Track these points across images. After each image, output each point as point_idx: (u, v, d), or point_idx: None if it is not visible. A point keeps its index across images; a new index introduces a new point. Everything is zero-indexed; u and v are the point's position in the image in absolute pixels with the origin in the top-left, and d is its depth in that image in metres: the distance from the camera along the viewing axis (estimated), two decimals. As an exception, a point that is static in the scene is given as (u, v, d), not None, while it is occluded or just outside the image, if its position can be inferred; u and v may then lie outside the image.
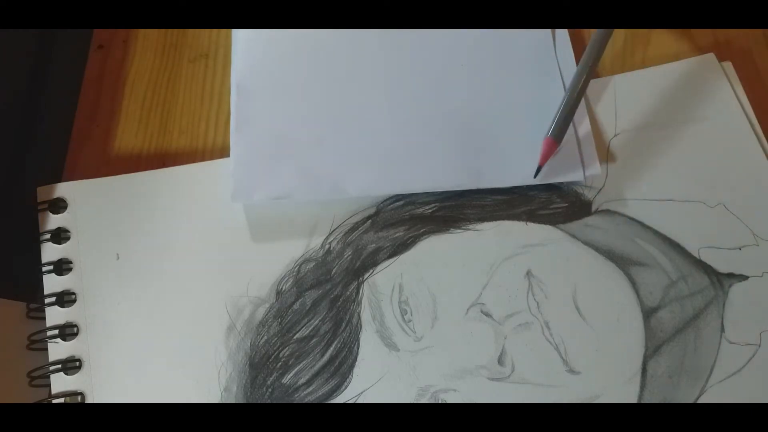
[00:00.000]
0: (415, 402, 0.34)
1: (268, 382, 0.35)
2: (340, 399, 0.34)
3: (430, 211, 0.38)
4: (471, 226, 0.38)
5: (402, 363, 0.35)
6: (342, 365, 0.35)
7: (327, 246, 0.38)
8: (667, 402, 0.33)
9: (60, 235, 0.38)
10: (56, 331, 0.36)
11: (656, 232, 0.37)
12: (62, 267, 0.38)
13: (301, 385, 0.35)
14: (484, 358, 0.35)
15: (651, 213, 0.37)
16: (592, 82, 0.40)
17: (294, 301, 0.36)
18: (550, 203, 0.38)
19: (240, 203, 0.38)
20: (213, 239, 0.38)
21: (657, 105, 0.40)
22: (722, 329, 0.34)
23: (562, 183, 0.38)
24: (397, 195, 0.39)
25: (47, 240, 0.38)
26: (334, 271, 0.37)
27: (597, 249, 0.37)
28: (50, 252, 0.38)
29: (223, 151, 0.41)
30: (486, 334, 0.35)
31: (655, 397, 0.34)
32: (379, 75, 0.41)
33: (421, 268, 0.37)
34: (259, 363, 0.35)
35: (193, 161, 0.40)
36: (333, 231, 0.38)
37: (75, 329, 0.37)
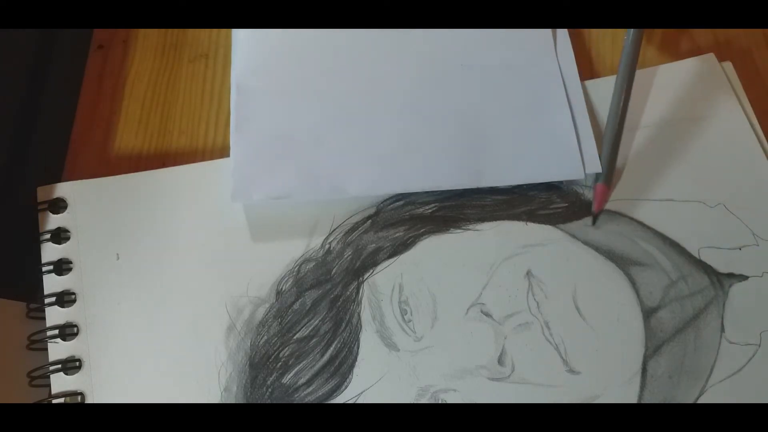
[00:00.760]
0: (415, 402, 0.34)
1: (268, 382, 0.35)
2: (340, 399, 0.34)
3: (430, 211, 0.38)
4: (471, 226, 0.38)
5: (402, 363, 0.35)
6: (342, 365, 0.35)
7: (327, 246, 0.38)
8: (667, 402, 0.33)
9: (60, 235, 0.38)
10: (56, 331, 0.36)
11: (656, 232, 0.37)
12: (62, 267, 0.38)
13: (301, 385, 0.35)
14: (484, 358, 0.35)
15: (651, 213, 0.37)
16: (594, 82, 0.41)
17: (294, 301, 0.36)
18: (550, 203, 0.38)
19: (240, 203, 0.38)
20: (213, 239, 0.38)
21: (657, 105, 0.40)
22: (722, 329, 0.34)
23: (562, 182, 0.38)
24: (397, 195, 0.39)
25: (47, 240, 0.38)
26: (334, 271, 0.37)
27: (597, 249, 0.37)
28: (50, 252, 0.38)
29: (223, 151, 0.41)
30: (486, 334, 0.35)
31: (655, 397, 0.34)
32: (379, 75, 0.41)
33: (421, 268, 0.37)
34: (259, 363, 0.35)
35: (193, 161, 0.40)
36: (333, 231, 0.38)
37: (75, 329, 0.37)
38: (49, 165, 0.41)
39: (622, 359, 0.34)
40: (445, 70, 0.41)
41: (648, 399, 0.34)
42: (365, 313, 0.36)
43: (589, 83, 0.40)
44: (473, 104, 0.40)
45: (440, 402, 0.34)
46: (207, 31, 0.45)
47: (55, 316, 0.37)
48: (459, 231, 0.37)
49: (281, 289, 0.37)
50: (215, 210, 0.38)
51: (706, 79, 0.40)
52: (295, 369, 0.35)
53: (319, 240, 0.38)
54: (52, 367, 0.36)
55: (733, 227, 0.36)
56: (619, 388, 0.34)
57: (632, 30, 0.38)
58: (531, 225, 0.37)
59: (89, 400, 0.35)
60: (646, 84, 0.40)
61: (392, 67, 0.41)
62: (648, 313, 0.35)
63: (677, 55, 0.41)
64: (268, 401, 0.35)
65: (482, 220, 0.38)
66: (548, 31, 0.41)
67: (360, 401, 0.34)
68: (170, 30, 0.45)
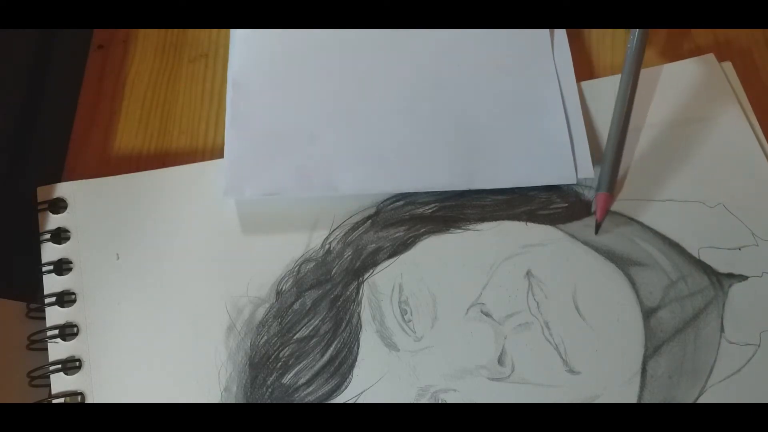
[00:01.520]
0: (415, 402, 0.34)
1: (268, 382, 0.35)
2: (340, 399, 0.34)
3: (430, 211, 0.38)
4: (471, 226, 0.38)
5: (402, 363, 0.35)
6: (342, 365, 0.35)
7: (327, 246, 0.38)
8: (666, 402, 0.33)
9: (60, 235, 0.38)
10: (56, 331, 0.36)
11: (656, 233, 0.37)
12: (62, 267, 0.38)
13: (301, 385, 0.35)
14: (484, 358, 0.35)
15: (651, 213, 0.37)
16: (592, 82, 0.41)
17: (294, 301, 0.36)
18: (550, 203, 0.38)
19: (232, 199, 0.38)
20: (213, 239, 0.38)
21: (656, 105, 0.40)
22: (722, 329, 0.34)
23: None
24: (397, 195, 0.39)
25: (47, 240, 0.38)
26: (334, 271, 0.37)
27: (597, 249, 0.37)
28: (50, 252, 0.38)
29: (223, 151, 0.41)
30: (486, 334, 0.35)
31: (654, 397, 0.34)
32: (375, 74, 0.41)
33: (421, 268, 0.37)
34: (259, 363, 0.35)
35: (193, 161, 0.40)
36: (333, 231, 0.38)
37: (75, 329, 0.37)
38: (49, 165, 0.41)
39: (622, 359, 0.34)
40: (440, 71, 0.41)
41: (648, 399, 0.34)
42: (365, 313, 0.36)
43: (586, 84, 0.40)
44: (468, 105, 0.40)
45: (440, 402, 0.34)
46: (207, 31, 0.45)
47: (55, 316, 0.37)
48: (459, 231, 0.37)
49: (281, 289, 0.37)
50: (215, 210, 0.38)
51: (705, 79, 0.40)
52: (295, 369, 0.35)
53: (319, 240, 0.38)
54: (52, 367, 0.36)
55: (732, 227, 0.36)
56: (618, 388, 0.34)
57: (635, 39, 0.38)
58: (531, 225, 0.37)
59: (89, 400, 0.35)
60: (646, 85, 0.40)
61: (387, 67, 0.41)
62: (648, 313, 0.35)
63: (677, 55, 0.41)
64: (268, 401, 0.35)
65: (482, 220, 0.38)
66: (546, 32, 0.41)
67: (360, 401, 0.34)
68: (170, 30, 0.45)
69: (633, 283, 0.36)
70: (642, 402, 0.33)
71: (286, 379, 0.35)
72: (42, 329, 0.36)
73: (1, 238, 0.38)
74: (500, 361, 0.34)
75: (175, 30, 0.45)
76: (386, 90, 0.40)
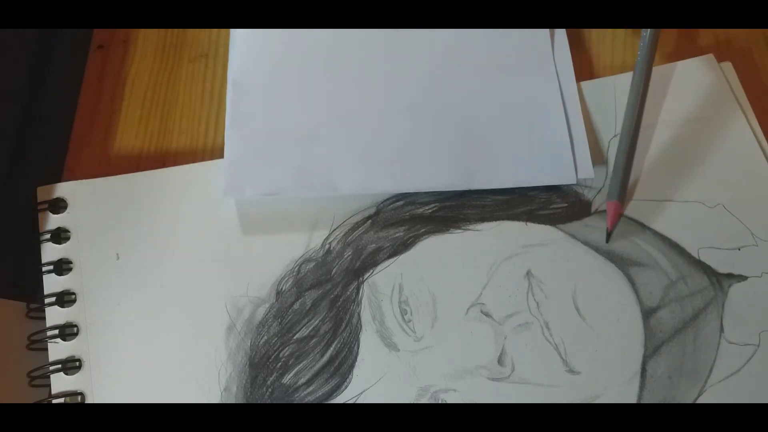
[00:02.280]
0: (415, 402, 0.34)
1: (268, 382, 0.35)
2: (340, 399, 0.34)
3: (430, 211, 0.38)
4: (471, 226, 0.38)
5: (402, 363, 0.35)
6: (342, 365, 0.35)
7: (327, 246, 0.38)
8: (666, 402, 0.33)
9: (60, 235, 0.38)
10: (56, 331, 0.36)
11: (656, 233, 0.37)
12: (62, 267, 0.38)
13: (301, 385, 0.35)
14: (484, 358, 0.35)
15: (651, 213, 0.37)
16: (592, 82, 0.41)
17: (294, 301, 0.36)
18: (550, 203, 0.38)
19: (232, 199, 0.38)
20: (213, 239, 0.38)
21: (657, 106, 0.40)
22: (721, 329, 0.34)
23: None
24: (397, 195, 0.39)
25: (47, 240, 0.38)
26: (334, 271, 0.37)
27: (597, 249, 0.37)
28: (50, 252, 0.38)
29: (223, 151, 0.41)
30: (486, 334, 0.35)
31: (654, 397, 0.34)
32: (375, 74, 0.41)
33: (421, 268, 0.37)
34: (259, 363, 0.35)
35: (193, 161, 0.40)
36: (333, 231, 0.38)
37: (75, 329, 0.37)
38: (49, 165, 0.41)
39: (622, 359, 0.34)
40: (440, 71, 0.41)
41: (647, 399, 0.34)
42: (365, 313, 0.36)
43: (586, 84, 0.40)
44: (468, 105, 0.40)
45: (440, 402, 0.34)
46: (207, 31, 0.45)
47: (55, 316, 0.37)
48: (459, 231, 0.38)
49: (281, 289, 0.37)
50: (215, 210, 0.38)
51: (705, 79, 0.40)
52: (295, 369, 0.35)
53: (319, 240, 0.38)
54: (52, 367, 0.36)
55: (732, 227, 0.36)
56: (618, 388, 0.34)
57: (645, 48, 0.38)
58: (531, 225, 0.37)
59: (89, 400, 0.35)
60: (646, 84, 0.40)
61: (387, 67, 0.41)
62: (648, 313, 0.35)
63: (677, 55, 0.41)
64: (268, 401, 0.35)
65: (482, 220, 0.38)
66: (546, 32, 0.41)
67: (360, 401, 0.34)
68: (170, 30, 0.45)
69: (633, 283, 0.36)
70: (642, 402, 0.33)
71: (286, 379, 0.35)
72: (42, 329, 0.36)
73: (1, 238, 0.38)
74: (500, 361, 0.34)
75: (175, 30, 0.45)
76: (386, 90, 0.40)
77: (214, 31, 0.45)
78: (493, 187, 0.38)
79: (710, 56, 0.40)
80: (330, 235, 0.38)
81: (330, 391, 0.35)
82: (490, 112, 0.39)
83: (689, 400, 0.33)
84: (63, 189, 0.39)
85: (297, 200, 0.38)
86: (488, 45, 0.41)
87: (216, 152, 0.41)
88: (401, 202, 0.38)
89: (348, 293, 0.36)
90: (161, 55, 0.45)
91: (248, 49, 0.42)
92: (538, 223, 0.37)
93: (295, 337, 0.36)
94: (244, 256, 0.37)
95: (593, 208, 0.38)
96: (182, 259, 0.38)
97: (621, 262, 0.36)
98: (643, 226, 0.37)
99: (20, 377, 0.36)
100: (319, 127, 0.39)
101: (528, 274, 0.36)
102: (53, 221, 0.39)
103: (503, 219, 0.38)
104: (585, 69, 0.42)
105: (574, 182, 0.38)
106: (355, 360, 0.35)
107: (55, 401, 0.35)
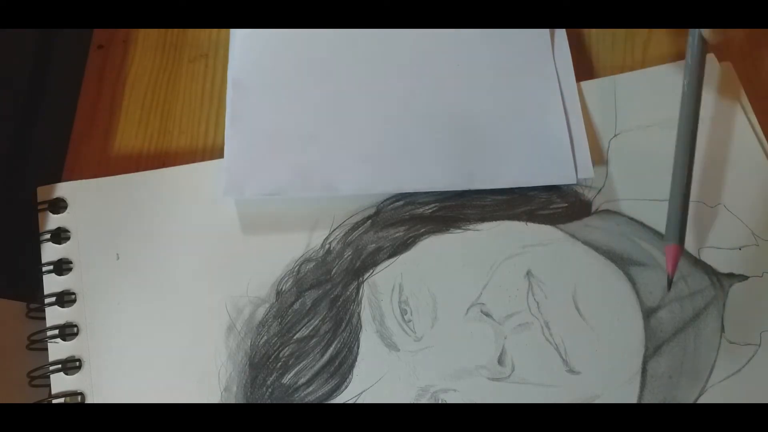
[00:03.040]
0: (415, 402, 0.34)
1: (268, 382, 0.35)
2: (340, 399, 0.34)
3: (430, 211, 0.38)
4: (471, 226, 0.38)
5: (402, 363, 0.35)
6: (342, 365, 0.35)
7: (327, 246, 0.38)
8: (667, 402, 0.33)
9: (60, 235, 0.38)
10: (56, 331, 0.36)
11: (656, 232, 0.37)
12: (62, 267, 0.38)
13: (301, 385, 0.35)
14: (484, 358, 0.35)
15: (651, 213, 0.37)
16: (592, 82, 0.41)
17: (294, 301, 0.36)
18: (550, 203, 0.38)
19: (232, 199, 0.38)
20: (213, 239, 0.38)
21: (657, 105, 0.39)
22: (722, 329, 0.34)
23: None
24: (397, 195, 0.39)
25: (47, 240, 0.38)
26: (334, 271, 0.37)
27: (597, 249, 0.37)
28: (50, 252, 0.38)
29: (223, 151, 0.41)
30: (486, 334, 0.35)
31: (655, 397, 0.34)
32: (374, 75, 0.41)
33: (421, 268, 0.37)
34: (259, 363, 0.35)
35: (193, 161, 0.40)
36: (333, 231, 0.38)
37: (75, 329, 0.37)
38: (49, 165, 0.41)
39: (622, 359, 0.34)
40: (440, 71, 0.41)
41: (648, 399, 0.34)
42: (365, 313, 0.36)
43: (586, 84, 0.40)
44: (468, 105, 0.40)
45: (440, 402, 0.34)
46: (207, 31, 0.45)
47: (55, 316, 0.37)
48: (459, 231, 0.37)
49: (281, 289, 0.37)
50: (215, 210, 0.38)
51: (706, 79, 0.40)
52: (295, 369, 0.35)
53: (319, 240, 0.38)
54: (52, 367, 0.36)
55: (733, 227, 0.36)
56: (619, 388, 0.34)
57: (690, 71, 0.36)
58: (531, 225, 0.37)
59: (89, 400, 0.35)
60: (647, 84, 0.40)
61: (387, 67, 0.41)
62: (648, 313, 0.35)
63: (677, 55, 0.41)
64: (268, 401, 0.35)
65: (482, 220, 0.38)
66: (546, 32, 0.41)
67: (360, 401, 0.34)
68: (170, 30, 0.45)
69: (633, 283, 0.36)
70: (642, 402, 0.33)
71: (286, 379, 0.35)
72: (42, 329, 0.36)
73: (1, 238, 0.38)
74: (500, 361, 0.34)
75: (175, 30, 0.45)
76: (386, 90, 0.40)
77: (214, 31, 0.45)
78: (493, 187, 0.38)
79: (710, 56, 0.40)
80: (330, 235, 0.38)
81: (330, 391, 0.35)
82: (490, 112, 0.39)
83: (690, 400, 0.33)
84: (63, 189, 0.39)
85: (297, 200, 0.38)
86: (488, 45, 0.41)
87: (216, 152, 0.41)
88: (401, 202, 0.38)
89: (348, 293, 0.36)
90: (161, 55, 0.45)
91: (248, 49, 0.42)
92: (539, 223, 0.37)
93: (295, 337, 0.36)
94: (243, 256, 0.37)
95: (593, 208, 0.38)
96: (182, 259, 0.38)
97: (621, 262, 0.36)
98: (644, 226, 0.37)
99: (20, 377, 0.36)
100: (319, 127, 0.39)
101: (528, 274, 0.36)
102: (53, 221, 0.39)
103: (503, 219, 0.38)
104: (585, 69, 0.42)
105: (574, 182, 0.38)
106: (355, 360, 0.35)
107: (55, 401, 0.35)
